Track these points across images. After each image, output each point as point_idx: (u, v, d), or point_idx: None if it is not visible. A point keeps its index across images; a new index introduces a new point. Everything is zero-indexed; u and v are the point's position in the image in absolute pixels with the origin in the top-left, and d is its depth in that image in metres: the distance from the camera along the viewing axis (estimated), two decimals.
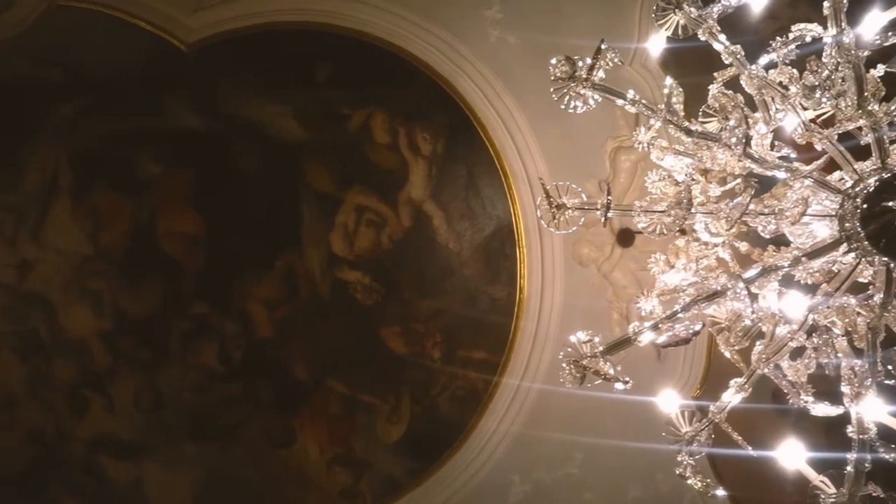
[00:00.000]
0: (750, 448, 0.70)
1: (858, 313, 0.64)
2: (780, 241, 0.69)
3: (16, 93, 0.78)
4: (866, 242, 0.60)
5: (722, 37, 0.64)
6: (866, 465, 0.59)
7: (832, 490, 0.60)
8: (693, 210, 0.62)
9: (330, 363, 0.85)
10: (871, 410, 0.60)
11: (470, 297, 0.78)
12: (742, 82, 0.64)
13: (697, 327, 0.64)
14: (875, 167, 0.62)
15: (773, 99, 0.65)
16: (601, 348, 0.60)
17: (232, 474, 0.85)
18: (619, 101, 0.62)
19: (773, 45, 0.65)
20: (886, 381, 0.62)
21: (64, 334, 0.76)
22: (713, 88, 0.65)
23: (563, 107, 0.59)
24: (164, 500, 0.85)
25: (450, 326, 0.79)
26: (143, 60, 0.80)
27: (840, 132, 0.64)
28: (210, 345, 0.80)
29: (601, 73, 0.58)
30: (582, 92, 0.59)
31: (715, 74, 0.67)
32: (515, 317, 0.76)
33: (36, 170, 0.77)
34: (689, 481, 0.66)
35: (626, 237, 0.93)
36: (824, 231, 0.65)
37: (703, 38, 0.64)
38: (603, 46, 0.59)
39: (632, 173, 0.90)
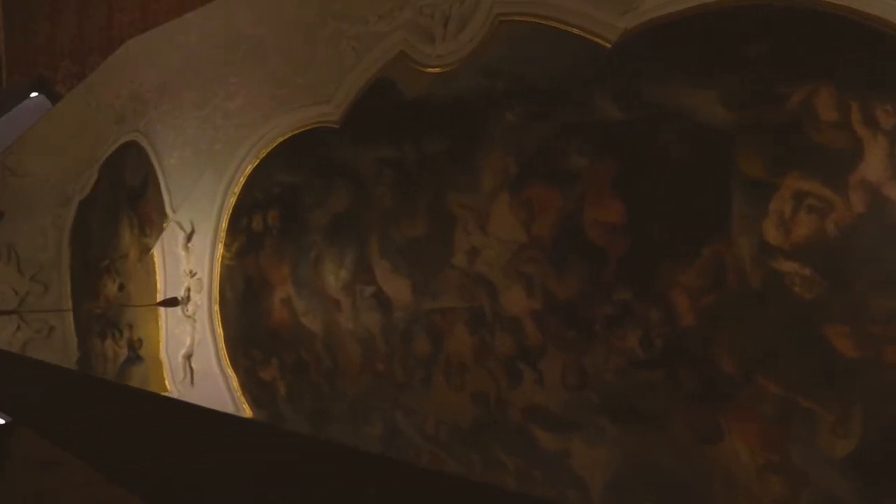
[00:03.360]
0: None
1: None
2: None
3: (470, 104, 0.90)
4: None
5: None
6: None
7: None
8: None
9: (761, 359, 0.79)
10: None
11: None
12: None
13: None
14: None
15: None
16: None
17: (652, 461, 0.86)
18: None
19: None
20: None
21: (503, 312, 0.86)
22: None
23: None
24: (587, 474, 0.91)
25: None
26: (571, 62, 0.85)
27: None
28: (632, 330, 0.82)
29: None
30: None
31: None
32: None
33: (486, 170, 0.88)
34: None
35: None
36: None
37: None
38: None
39: None
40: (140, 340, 1.21)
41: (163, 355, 1.27)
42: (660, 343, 0.88)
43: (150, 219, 1.15)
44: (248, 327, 1.10)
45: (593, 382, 0.83)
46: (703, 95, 0.79)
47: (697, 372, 0.85)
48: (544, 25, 0.89)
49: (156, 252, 1.14)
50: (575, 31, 0.81)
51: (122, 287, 1.20)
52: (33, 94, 2.16)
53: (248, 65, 1.01)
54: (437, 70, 0.92)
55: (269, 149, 1.04)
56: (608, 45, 0.85)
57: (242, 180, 1.07)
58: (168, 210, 1.08)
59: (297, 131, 1.03)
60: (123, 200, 1.15)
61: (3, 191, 1.49)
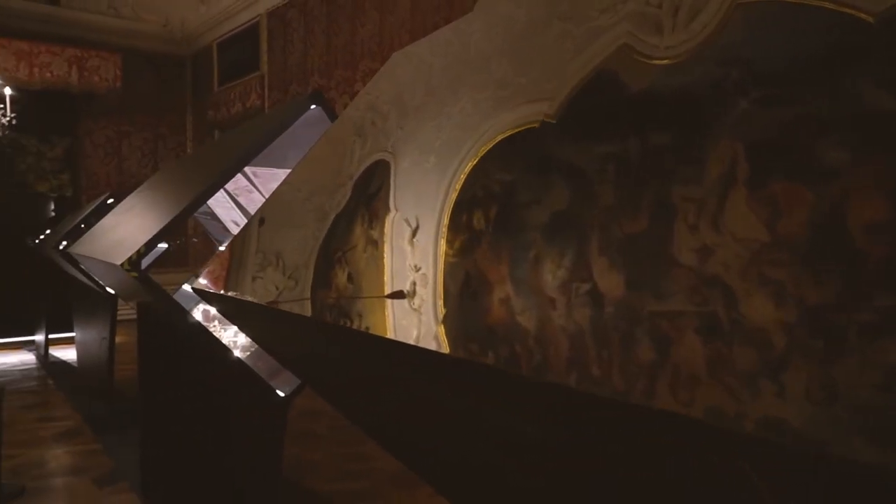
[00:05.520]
0: None
1: None
2: None
3: (700, 95, 0.84)
4: None
5: None
6: None
7: None
8: None
9: None
10: None
11: None
12: None
13: None
14: None
15: None
16: None
17: None
18: None
19: None
20: None
21: (743, 321, 0.79)
22: None
23: None
24: None
25: None
26: (824, 42, 0.76)
27: None
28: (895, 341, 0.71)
29: None
30: None
31: None
32: None
33: (715, 162, 0.82)
34: None
35: None
36: None
37: None
38: None
39: None
40: (368, 329, 1.30)
41: None
42: None
43: (377, 214, 1.24)
44: (468, 322, 1.14)
45: (844, 398, 0.73)
46: None
47: None
48: (790, 3, 0.80)
49: (382, 245, 1.22)
50: (828, 4, 0.72)
51: (350, 277, 1.30)
52: (312, 107, 2.41)
53: (475, 72, 1.04)
54: (664, 62, 0.87)
55: (489, 147, 1.07)
56: (871, 20, 0.74)
57: (462, 177, 1.10)
58: (391, 205, 1.15)
59: (516, 129, 1.05)
60: (362, 203, 1.25)
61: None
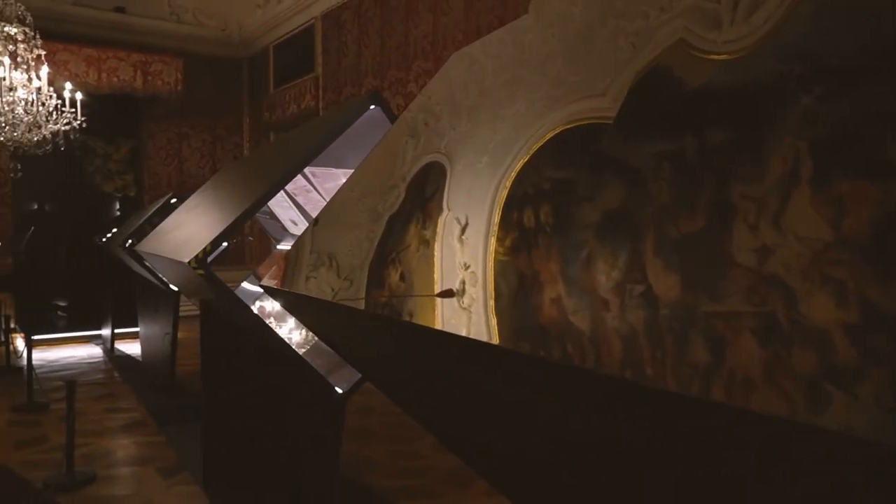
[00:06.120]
0: None
1: None
2: None
3: (758, 90, 0.82)
4: None
5: None
6: None
7: None
8: None
9: None
10: None
11: None
12: None
13: None
14: None
15: None
16: None
17: None
18: None
19: None
20: None
21: (803, 321, 0.76)
22: None
23: None
24: None
25: None
26: (888, 34, 0.72)
27: None
28: None
29: None
30: None
31: None
32: None
33: (777, 161, 0.79)
34: None
35: None
36: None
37: None
38: None
39: None
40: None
41: None
42: None
43: (430, 214, 1.25)
44: (520, 321, 1.13)
45: None
46: None
47: None
48: None
49: (433, 244, 1.22)
50: None
51: (402, 277, 1.32)
52: (371, 107, 2.40)
53: (530, 73, 1.04)
54: (722, 57, 0.85)
55: (540, 144, 1.06)
56: None
57: (513, 175, 1.10)
58: (444, 205, 1.16)
59: (568, 126, 1.04)
60: (417, 205, 1.27)
61: None
